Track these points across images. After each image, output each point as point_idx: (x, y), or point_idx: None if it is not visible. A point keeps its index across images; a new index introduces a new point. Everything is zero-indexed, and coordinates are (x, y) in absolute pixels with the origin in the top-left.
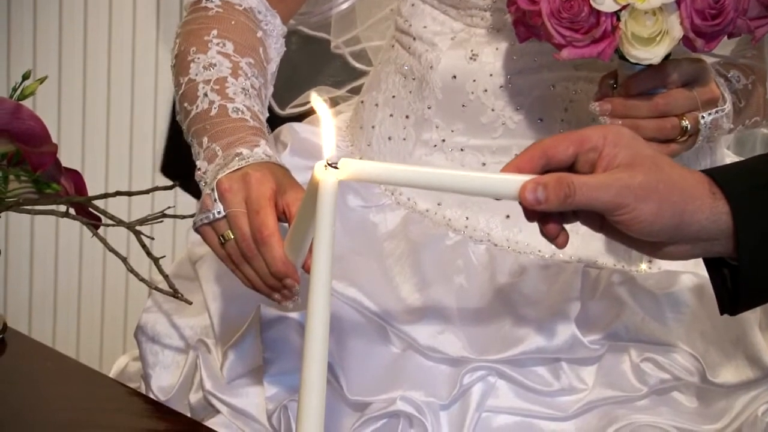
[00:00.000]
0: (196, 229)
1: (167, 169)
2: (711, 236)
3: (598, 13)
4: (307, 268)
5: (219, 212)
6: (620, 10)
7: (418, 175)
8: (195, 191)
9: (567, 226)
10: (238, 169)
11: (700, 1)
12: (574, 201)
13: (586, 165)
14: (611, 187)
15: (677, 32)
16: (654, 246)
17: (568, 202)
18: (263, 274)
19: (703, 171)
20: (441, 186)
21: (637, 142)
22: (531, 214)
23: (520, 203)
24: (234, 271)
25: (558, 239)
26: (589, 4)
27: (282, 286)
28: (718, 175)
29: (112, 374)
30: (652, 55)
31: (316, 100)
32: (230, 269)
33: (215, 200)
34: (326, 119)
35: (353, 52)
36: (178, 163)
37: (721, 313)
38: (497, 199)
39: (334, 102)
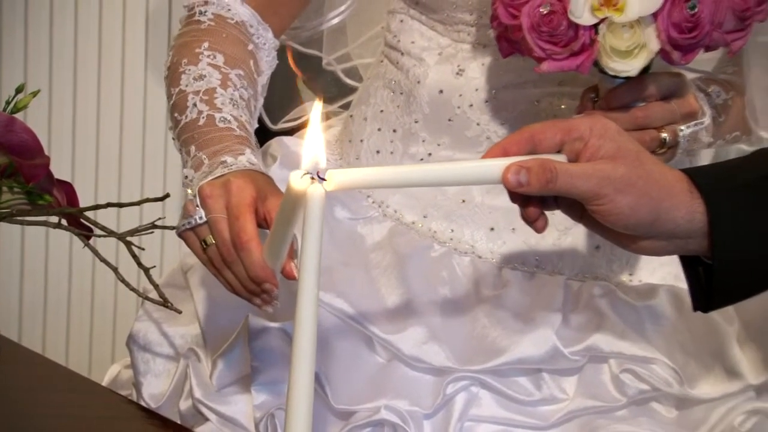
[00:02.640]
0: (179, 234)
1: None
2: (686, 234)
3: (577, 26)
4: (285, 273)
5: (200, 218)
6: (598, 24)
7: (403, 174)
8: None
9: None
10: (221, 176)
11: (677, 14)
12: (555, 186)
13: (571, 153)
14: (592, 177)
15: (654, 45)
16: (630, 239)
17: (549, 187)
18: (243, 278)
19: (683, 170)
20: (426, 181)
21: (622, 136)
22: (514, 196)
23: (504, 185)
24: (216, 275)
25: (537, 223)
26: (568, 18)
27: (261, 290)
28: (697, 175)
29: (105, 382)
30: (630, 67)
31: (315, 109)
32: (212, 273)
33: (197, 206)
34: (315, 130)
35: (344, 69)
36: None
37: (695, 310)
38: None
39: (325, 117)
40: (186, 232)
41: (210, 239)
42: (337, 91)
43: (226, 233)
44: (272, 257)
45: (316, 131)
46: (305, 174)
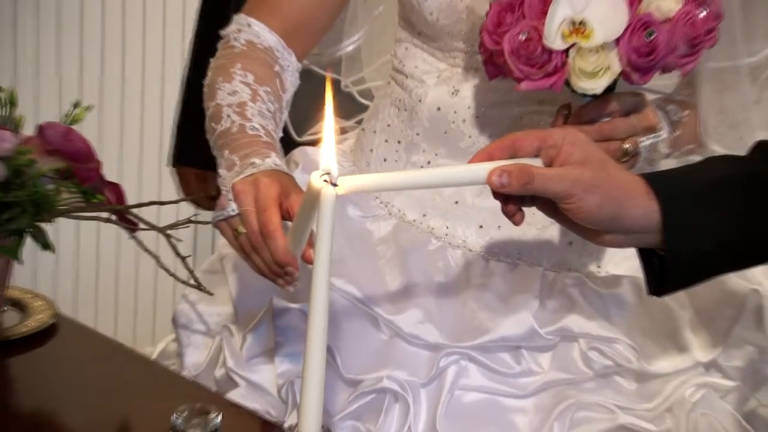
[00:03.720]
0: (215, 224)
1: (179, 157)
2: (643, 229)
3: (550, 51)
4: (305, 259)
5: (233, 210)
6: (568, 49)
7: (401, 178)
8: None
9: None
10: (250, 174)
11: (636, 40)
12: (532, 187)
13: (546, 159)
14: (564, 179)
15: (616, 67)
16: (595, 234)
17: (527, 188)
18: (268, 262)
19: (641, 174)
20: (422, 184)
21: (590, 145)
22: (497, 194)
23: (488, 186)
24: (245, 259)
25: (515, 217)
26: (543, 44)
27: (284, 273)
28: (653, 179)
29: (156, 353)
30: (596, 86)
31: (329, 120)
32: (243, 258)
33: (230, 200)
34: (329, 136)
35: (360, 91)
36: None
37: (649, 294)
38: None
39: (343, 130)
40: (220, 223)
41: (241, 228)
42: (353, 109)
43: (254, 223)
44: (294, 244)
45: (330, 137)
46: (323, 174)
